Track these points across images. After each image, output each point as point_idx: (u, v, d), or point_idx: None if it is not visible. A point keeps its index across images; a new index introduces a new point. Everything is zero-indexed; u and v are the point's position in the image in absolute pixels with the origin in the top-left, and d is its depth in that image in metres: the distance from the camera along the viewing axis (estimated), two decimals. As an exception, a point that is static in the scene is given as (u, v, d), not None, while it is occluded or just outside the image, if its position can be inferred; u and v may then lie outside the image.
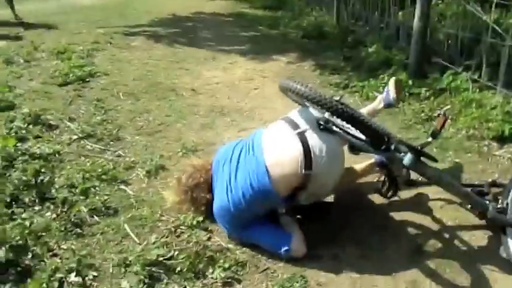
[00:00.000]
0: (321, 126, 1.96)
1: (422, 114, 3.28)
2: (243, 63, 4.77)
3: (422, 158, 1.97)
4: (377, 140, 1.93)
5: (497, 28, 3.23)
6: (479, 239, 2.03)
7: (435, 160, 2.11)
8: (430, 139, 2.01)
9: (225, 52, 5.23)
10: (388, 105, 2.56)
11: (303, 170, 1.86)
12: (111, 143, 2.96)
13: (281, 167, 1.88)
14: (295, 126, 1.98)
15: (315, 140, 1.91)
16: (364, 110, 2.60)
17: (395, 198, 2.22)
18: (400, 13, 5.03)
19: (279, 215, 2.09)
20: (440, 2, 4.89)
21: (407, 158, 1.92)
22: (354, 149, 2.09)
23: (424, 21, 3.83)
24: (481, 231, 2.06)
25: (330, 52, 5.08)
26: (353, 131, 1.98)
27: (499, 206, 1.98)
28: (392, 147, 1.94)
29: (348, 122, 1.86)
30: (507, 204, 1.99)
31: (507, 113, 3.03)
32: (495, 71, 3.49)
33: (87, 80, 4.15)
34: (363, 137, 1.96)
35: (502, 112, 3.03)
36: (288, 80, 2.03)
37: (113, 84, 4.06)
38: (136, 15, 7.99)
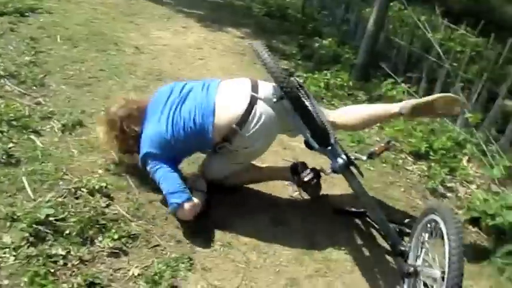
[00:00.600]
0: (274, 100, 2.04)
1: (354, 117, 3.36)
2: (196, 29, 4.64)
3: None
4: (318, 135, 2.03)
5: (438, 49, 3.34)
6: (376, 255, 2.12)
7: (361, 175, 2.14)
8: (364, 157, 2.08)
9: (181, 13, 5.05)
10: (400, 114, 2.23)
11: (234, 125, 2.00)
12: (34, 87, 2.81)
13: (223, 113, 2.02)
14: (255, 89, 2.08)
15: (260, 110, 2.03)
16: (375, 107, 2.46)
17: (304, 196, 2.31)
18: (366, 9, 5.07)
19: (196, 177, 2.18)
20: (401, 9, 4.98)
21: (339, 163, 1.99)
22: (309, 145, 2.12)
23: (377, 26, 3.90)
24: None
25: (287, 36, 5.05)
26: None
27: (401, 247, 1.86)
28: (330, 147, 2.03)
29: (295, 109, 1.97)
30: (409, 247, 1.86)
31: (430, 132, 3.18)
32: (431, 89, 3.64)
33: (26, 14, 3.88)
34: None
35: (425, 130, 3.18)
36: (262, 46, 2.08)
37: (53, 25, 3.82)
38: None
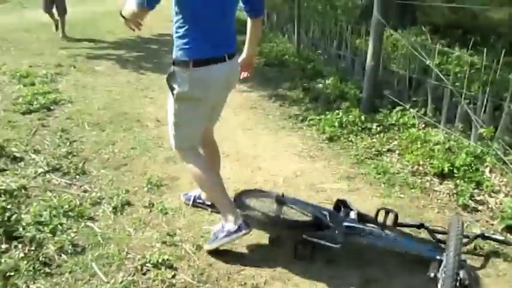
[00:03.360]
0: None
1: (373, 149, 3.55)
2: (206, 92, 4.93)
3: None
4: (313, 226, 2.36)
5: (438, 73, 3.57)
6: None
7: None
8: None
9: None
10: None
11: None
12: (77, 176, 3.04)
13: None
14: None
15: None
16: None
17: None
18: (357, 41, 5.35)
19: None
20: (393, 35, 5.26)
21: (338, 238, 2.25)
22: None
23: (375, 61, 4.14)
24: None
25: (290, 82, 5.32)
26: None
27: (432, 273, 1.99)
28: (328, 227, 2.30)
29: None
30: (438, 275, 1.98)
31: (447, 150, 3.35)
32: (439, 109, 3.84)
33: (52, 108, 4.20)
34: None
35: (443, 149, 3.34)
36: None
37: (78, 113, 4.12)
38: (99, 35, 8.01)
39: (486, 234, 2.37)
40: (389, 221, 2.32)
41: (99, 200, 2.77)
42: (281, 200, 2.44)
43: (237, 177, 3.09)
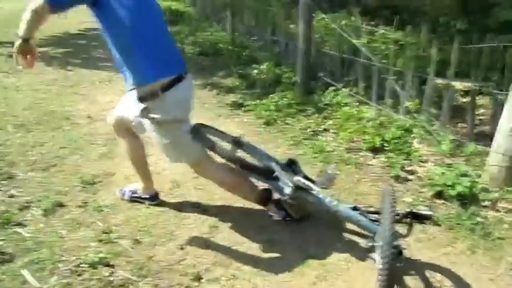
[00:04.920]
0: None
1: (309, 130, 3.62)
2: (140, 85, 4.79)
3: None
4: (261, 173, 2.36)
5: (366, 53, 3.68)
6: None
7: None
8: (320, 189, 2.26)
9: (119, 73, 5.17)
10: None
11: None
12: (3, 182, 2.85)
13: None
14: None
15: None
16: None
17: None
18: (291, 26, 5.37)
19: None
20: (325, 19, 5.35)
21: (286, 192, 2.25)
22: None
23: (306, 44, 4.20)
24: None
25: (226, 70, 5.30)
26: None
27: (369, 244, 2.02)
28: (276, 180, 2.30)
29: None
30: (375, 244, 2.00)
31: (379, 126, 3.47)
32: (370, 87, 3.96)
33: (-29, 112, 3.91)
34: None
35: (374, 125, 3.46)
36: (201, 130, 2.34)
37: (0, 116, 3.86)
38: (23, 33, 7.53)
39: (414, 211, 2.44)
40: None
41: (27, 204, 2.61)
42: (238, 142, 2.41)
43: (173, 169, 3.02)
